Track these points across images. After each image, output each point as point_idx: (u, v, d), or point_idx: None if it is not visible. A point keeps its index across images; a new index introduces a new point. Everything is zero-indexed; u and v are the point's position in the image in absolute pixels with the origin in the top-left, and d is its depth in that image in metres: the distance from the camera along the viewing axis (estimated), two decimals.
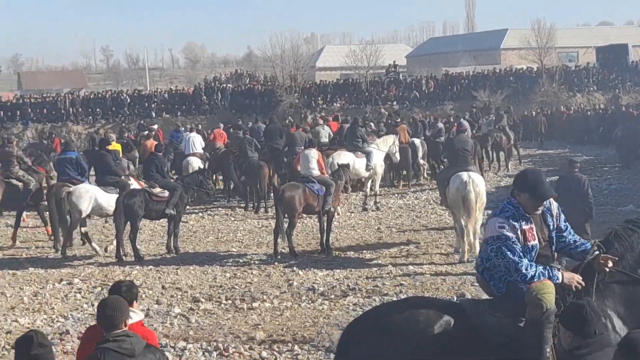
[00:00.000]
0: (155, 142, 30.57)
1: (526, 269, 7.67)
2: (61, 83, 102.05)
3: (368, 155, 25.86)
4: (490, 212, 8.41)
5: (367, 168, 25.81)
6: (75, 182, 21.15)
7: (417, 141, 31.06)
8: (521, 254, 7.75)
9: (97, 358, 6.41)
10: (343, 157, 24.28)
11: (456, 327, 7.75)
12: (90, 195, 20.02)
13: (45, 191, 22.70)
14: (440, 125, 34.85)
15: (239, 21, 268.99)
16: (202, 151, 30.04)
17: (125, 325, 6.58)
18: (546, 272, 7.79)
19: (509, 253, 7.68)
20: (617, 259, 7.98)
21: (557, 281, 7.79)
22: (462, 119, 34.35)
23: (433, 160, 32.62)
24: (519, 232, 7.79)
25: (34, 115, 57.26)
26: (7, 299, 16.09)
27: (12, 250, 21.46)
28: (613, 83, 61.03)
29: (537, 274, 7.72)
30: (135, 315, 7.36)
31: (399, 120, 35.31)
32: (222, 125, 37.33)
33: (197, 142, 30.46)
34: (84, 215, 20.13)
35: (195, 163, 27.55)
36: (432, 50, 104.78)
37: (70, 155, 21.86)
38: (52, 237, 21.11)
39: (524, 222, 7.83)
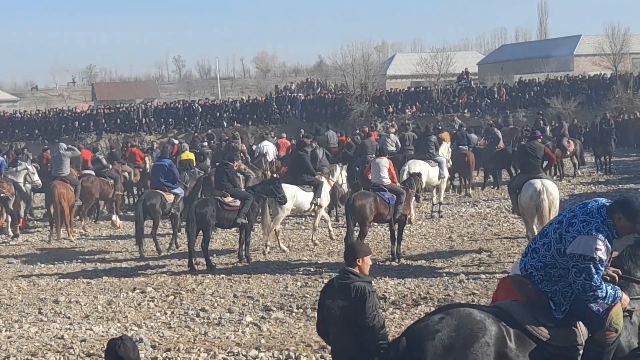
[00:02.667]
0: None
1: (601, 292, 7.57)
2: (134, 94, 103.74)
3: (440, 164, 26.15)
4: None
5: (440, 176, 26.13)
6: (167, 189, 21.69)
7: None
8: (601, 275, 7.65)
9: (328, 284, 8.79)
10: (417, 165, 24.24)
11: (510, 337, 7.63)
12: (292, 193, 21.14)
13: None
14: (473, 136, 34.96)
15: (309, 30, 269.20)
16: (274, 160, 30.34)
17: (356, 265, 8.54)
18: (614, 292, 7.70)
19: (595, 276, 7.51)
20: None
21: (620, 301, 7.73)
22: (495, 128, 34.49)
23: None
24: (609, 254, 7.67)
25: (108, 125, 58.41)
26: (81, 307, 16.32)
27: (86, 259, 21.80)
28: None
29: (607, 296, 7.62)
30: None
31: (440, 127, 35.67)
32: (284, 135, 37.68)
33: (270, 151, 30.71)
34: (286, 213, 21.53)
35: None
36: (504, 57, 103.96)
37: (164, 163, 22.37)
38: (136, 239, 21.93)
39: (611, 243, 7.71)
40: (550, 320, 7.75)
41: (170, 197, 21.95)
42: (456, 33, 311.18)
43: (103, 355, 7.27)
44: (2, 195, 24.71)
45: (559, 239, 7.82)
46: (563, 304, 7.80)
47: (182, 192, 22.63)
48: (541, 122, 36.32)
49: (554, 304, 7.82)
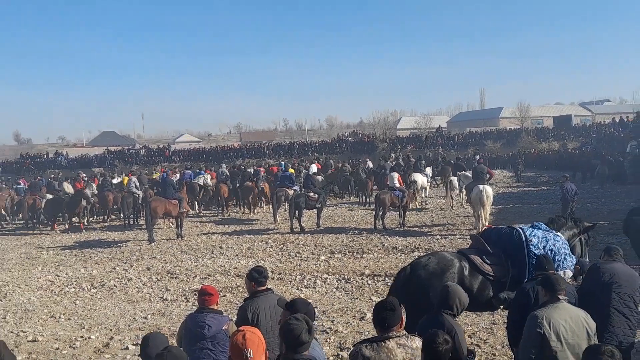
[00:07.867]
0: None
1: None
2: (266, 138, 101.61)
3: (427, 175, 26.16)
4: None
5: (427, 181, 26.10)
6: (289, 187, 21.62)
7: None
8: None
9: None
10: (417, 176, 23.55)
11: (466, 269, 7.45)
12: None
13: None
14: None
15: (355, 103, 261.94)
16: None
17: None
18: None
19: None
20: None
21: None
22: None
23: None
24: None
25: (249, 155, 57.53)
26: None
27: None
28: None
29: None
30: None
31: (411, 158, 34.74)
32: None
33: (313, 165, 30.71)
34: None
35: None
36: (462, 118, 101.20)
37: (287, 174, 23.19)
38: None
39: None
40: (493, 262, 7.60)
41: (291, 192, 21.39)
42: (435, 104, 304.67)
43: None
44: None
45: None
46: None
47: (298, 188, 21.92)
48: (477, 156, 35.19)
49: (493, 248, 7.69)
